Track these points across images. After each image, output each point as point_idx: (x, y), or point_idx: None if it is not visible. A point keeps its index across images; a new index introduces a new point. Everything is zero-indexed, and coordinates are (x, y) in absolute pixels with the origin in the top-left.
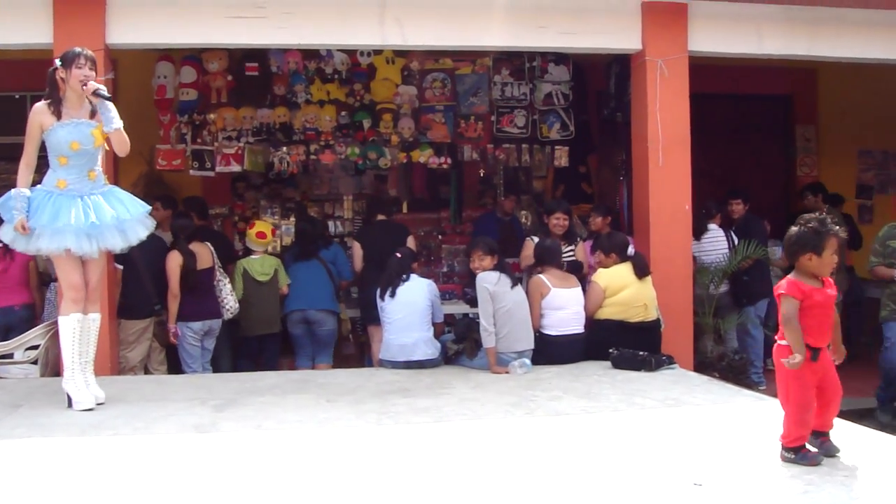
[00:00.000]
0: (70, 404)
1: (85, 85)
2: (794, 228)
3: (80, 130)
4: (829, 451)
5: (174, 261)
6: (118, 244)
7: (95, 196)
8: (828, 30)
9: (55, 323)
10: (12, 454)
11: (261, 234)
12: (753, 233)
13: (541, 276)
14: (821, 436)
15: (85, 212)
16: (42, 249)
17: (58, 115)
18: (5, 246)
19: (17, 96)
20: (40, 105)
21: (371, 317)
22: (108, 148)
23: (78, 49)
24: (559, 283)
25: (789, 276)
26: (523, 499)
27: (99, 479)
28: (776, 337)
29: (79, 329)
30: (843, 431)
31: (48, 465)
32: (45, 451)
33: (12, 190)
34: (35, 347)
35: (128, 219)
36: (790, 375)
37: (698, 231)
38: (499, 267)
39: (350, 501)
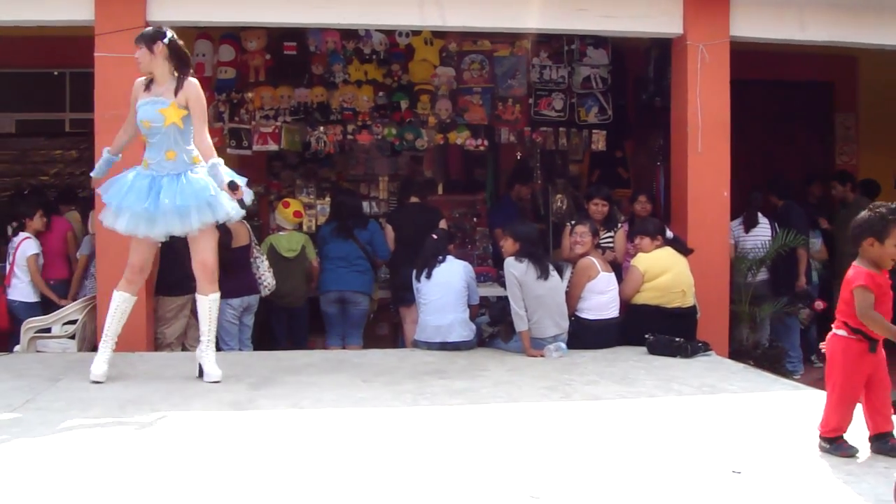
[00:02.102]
0: None
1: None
2: (863, 213)
3: (149, 109)
4: None
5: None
6: (178, 229)
7: (167, 178)
8: (870, 16)
9: (93, 298)
10: (52, 428)
11: (285, 203)
12: (792, 223)
13: (591, 258)
14: (889, 437)
15: (147, 195)
16: (118, 229)
17: (148, 90)
18: (44, 215)
19: (55, 73)
20: (140, 79)
21: (402, 298)
22: (181, 128)
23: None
24: (605, 266)
25: (858, 266)
26: (562, 482)
27: (137, 454)
28: (832, 325)
29: (122, 307)
30: None
31: (87, 439)
32: (83, 426)
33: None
34: (73, 322)
35: (186, 205)
36: (840, 367)
37: (749, 223)
38: (530, 255)
39: (389, 481)
